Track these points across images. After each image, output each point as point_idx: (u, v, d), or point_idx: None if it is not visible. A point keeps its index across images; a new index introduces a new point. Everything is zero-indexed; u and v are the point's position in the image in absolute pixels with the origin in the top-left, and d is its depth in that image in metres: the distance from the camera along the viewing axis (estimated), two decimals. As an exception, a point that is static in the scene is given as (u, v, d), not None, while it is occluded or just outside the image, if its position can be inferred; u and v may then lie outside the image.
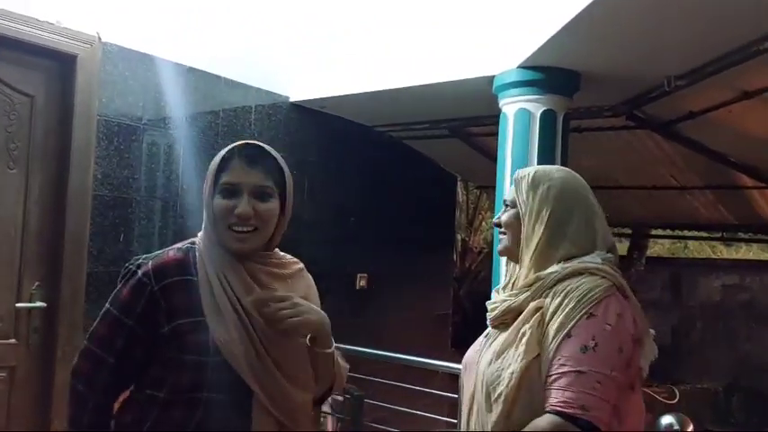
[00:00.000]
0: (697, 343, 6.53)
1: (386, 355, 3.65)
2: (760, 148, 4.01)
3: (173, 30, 3.06)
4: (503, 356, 1.29)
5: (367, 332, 4.21)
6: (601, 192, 1.45)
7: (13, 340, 2.44)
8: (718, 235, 6.65)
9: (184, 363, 1.30)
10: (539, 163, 2.86)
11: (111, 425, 1.38)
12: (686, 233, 6.88)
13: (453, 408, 3.35)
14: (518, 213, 1.40)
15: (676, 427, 1.81)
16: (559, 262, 1.34)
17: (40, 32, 2.50)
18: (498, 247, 1.49)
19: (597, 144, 4.04)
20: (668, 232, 6.87)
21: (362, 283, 4.29)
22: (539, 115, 2.92)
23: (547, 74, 2.88)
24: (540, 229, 1.36)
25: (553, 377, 1.22)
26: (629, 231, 6.77)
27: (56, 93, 2.61)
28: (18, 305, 2.45)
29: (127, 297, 1.35)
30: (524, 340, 1.26)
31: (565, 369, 1.21)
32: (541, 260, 1.35)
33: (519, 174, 1.44)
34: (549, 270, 1.33)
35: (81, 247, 2.59)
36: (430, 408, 3.66)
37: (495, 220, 1.49)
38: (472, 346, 1.51)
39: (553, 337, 1.24)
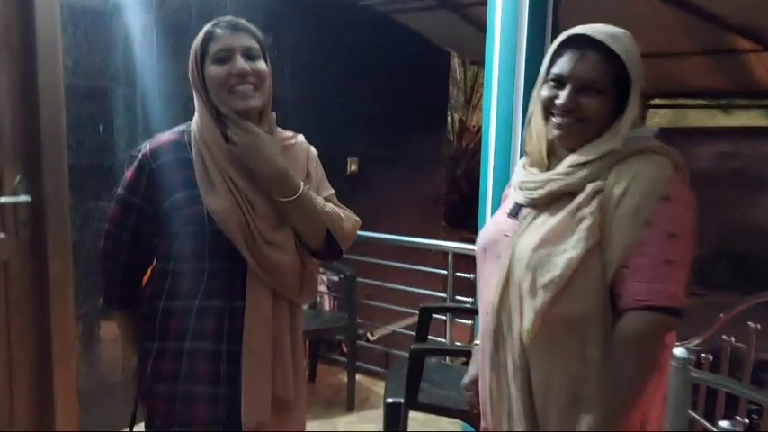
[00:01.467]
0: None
1: (378, 237, 3.70)
2: (758, 9, 3.85)
3: None
4: (554, 240, 1.18)
5: (359, 215, 4.24)
6: None
7: (2, 235, 2.45)
8: (716, 103, 6.55)
9: (184, 234, 1.44)
10: (530, 33, 2.72)
11: (138, 297, 1.56)
12: (684, 101, 6.78)
13: (445, 283, 3.45)
14: (609, 101, 1.21)
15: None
16: None
17: None
18: (559, 133, 1.24)
19: (591, 8, 3.85)
20: (667, 101, 6.76)
21: (353, 167, 4.27)
22: (528, -21, 2.75)
23: (535, -69, 2.68)
24: (633, 112, 1.20)
25: (634, 268, 1.13)
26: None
27: (12, -23, 2.45)
28: (2, 199, 2.44)
29: (131, 178, 1.50)
30: (584, 225, 1.15)
31: (651, 259, 1.12)
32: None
33: (618, 47, 1.19)
34: (607, 148, 1.19)
35: (59, 140, 2.52)
36: (422, 285, 3.77)
37: (565, 104, 1.21)
38: (492, 225, 1.39)
39: (628, 224, 1.14)
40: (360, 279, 3.40)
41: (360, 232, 3.68)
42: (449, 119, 6.96)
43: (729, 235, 6.42)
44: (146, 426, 1.56)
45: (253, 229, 1.42)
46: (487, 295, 1.31)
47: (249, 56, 1.45)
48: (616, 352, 1.14)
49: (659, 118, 8.42)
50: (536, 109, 1.30)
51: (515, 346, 1.22)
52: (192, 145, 1.47)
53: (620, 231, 1.14)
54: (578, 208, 1.18)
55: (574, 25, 1.27)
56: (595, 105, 1.20)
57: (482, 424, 1.41)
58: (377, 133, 4.50)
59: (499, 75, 2.89)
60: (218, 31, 1.46)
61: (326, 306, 3.76)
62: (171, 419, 1.48)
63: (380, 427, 2.35)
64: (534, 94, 1.30)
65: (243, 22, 1.50)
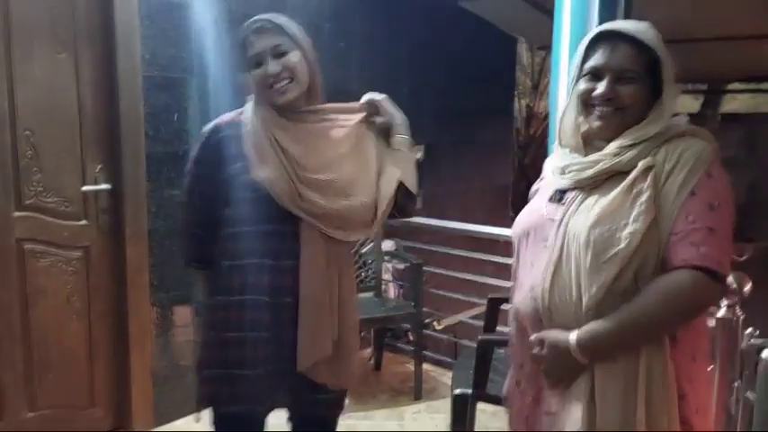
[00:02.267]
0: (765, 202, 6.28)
1: (444, 225, 3.68)
2: None
3: None
4: (612, 217, 1.24)
5: (426, 204, 4.23)
6: (672, 46, 1.31)
7: (84, 222, 2.56)
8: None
9: (240, 201, 1.62)
10: (601, 17, 2.64)
11: (212, 255, 1.70)
12: (764, 86, 6.43)
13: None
14: (644, 87, 1.29)
15: (734, 286, 1.77)
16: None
17: None
18: (599, 124, 1.32)
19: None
20: (746, 86, 6.44)
21: (419, 155, 4.25)
22: (600, -38, 2.66)
23: None
24: (672, 97, 1.29)
25: (681, 234, 1.21)
26: (704, 88, 6.38)
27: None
28: (84, 188, 2.54)
29: (196, 153, 1.73)
30: (643, 199, 1.22)
31: (695, 226, 1.20)
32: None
33: (646, 38, 1.28)
34: (651, 130, 1.28)
35: (137, 128, 2.63)
36: (491, 275, 3.72)
37: (603, 93, 1.30)
38: (532, 211, 1.45)
39: (676, 195, 1.22)
40: (426, 268, 3.39)
41: (426, 220, 3.70)
42: (516, 105, 6.83)
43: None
44: (201, 373, 1.71)
45: (302, 190, 1.59)
46: (532, 278, 1.35)
47: (278, 53, 1.62)
48: (649, 291, 1.21)
49: (737, 103, 8.03)
50: (571, 103, 1.37)
51: (567, 324, 1.27)
52: (245, 122, 1.66)
53: (669, 202, 1.22)
54: (633, 184, 1.24)
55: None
56: (632, 93, 1.29)
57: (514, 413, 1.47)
58: (444, 121, 4.46)
59: (568, 60, 2.82)
60: (250, 37, 1.64)
61: (392, 294, 3.76)
62: (230, 365, 1.63)
63: (448, 417, 2.34)
64: (569, 89, 1.38)
65: (269, 20, 1.64)
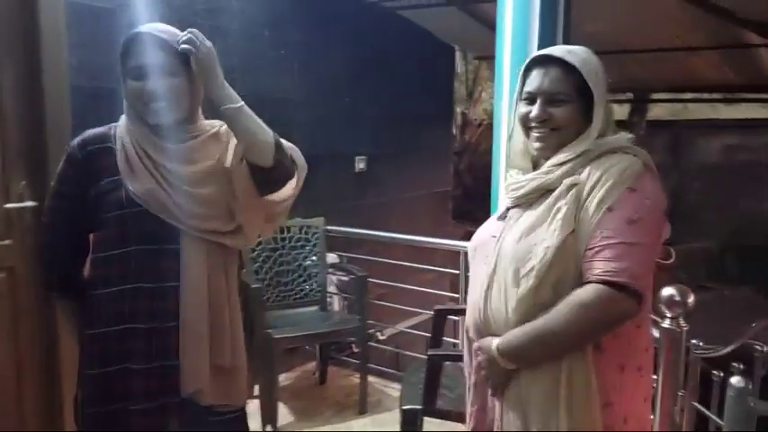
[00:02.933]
0: (695, 204, 6.57)
1: (387, 236, 3.67)
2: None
3: None
4: (534, 232, 1.29)
5: (368, 214, 4.20)
6: (605, 57, 1.38)
7: (8, 241, 2.39)
8: (720, 96, 6.49)
9: (110, 220, 1.52)
10: (541, 31, 2.69)
11: (78, 283, 1.62)
12: (687, 95, 6.73)
13: (456, 282, 3.41)
14: (577, 107, 1.34)
15: (677, 298, 1.82)
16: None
17: None
18: (538, 145, 1.37)
19: (601, 6, 3.81)
20: (670, 95, 6.71)
21: (361, 165, 4.22)
22: (539, -23, 2.71)
23: (547, -71, 2.64)
24: (600, 117, 1.33)
25: (596, 249, 1.24)
26: (630, 96, 6.62)
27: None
28: (8, 205, 2.38)
29: (61, 170, 1.62)
30: (560, 215, 1.26)
31: (610, 241, 1.23)
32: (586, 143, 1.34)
33: (575, 61, 1.32)
34: (582, 148, 1.32)
35: (64, 142, 2.43)
36: (432, 284, 3.72)
37: (537, 115, 1.35)
38: (483, 229, 1.50)
39: (594, 211, 1.25)
40: (370, 279, 3.36)
41: (370, 231, 3.68)
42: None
43: (739, 228, 6.38)
44: (85, 411, 1.60)
45: (174, 199, 1.51)
46: (475, 293, 1.41)
47: (161, 73, 1.50)
48: (562, 304, 1.24)
49: (661, 110, 8.37)
50: (516, 126, 1.43)
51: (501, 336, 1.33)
52: (117, 136, 1.57)
53: (587, 219, 1.25)
54: (555, 201, 1.29)
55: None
56: (563, 113, 1.34)
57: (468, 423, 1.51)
58: (384, 130, 4.45)
59: (510, 70, 2.86)
60: (134, 46, 1.51)
61: (336, 307, 3.71)
62: (109, 398, 1.55)
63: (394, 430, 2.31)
64: (513, 113, 1.44)
65: (160, 33, 1.52)
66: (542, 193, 1.34)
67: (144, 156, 1.54)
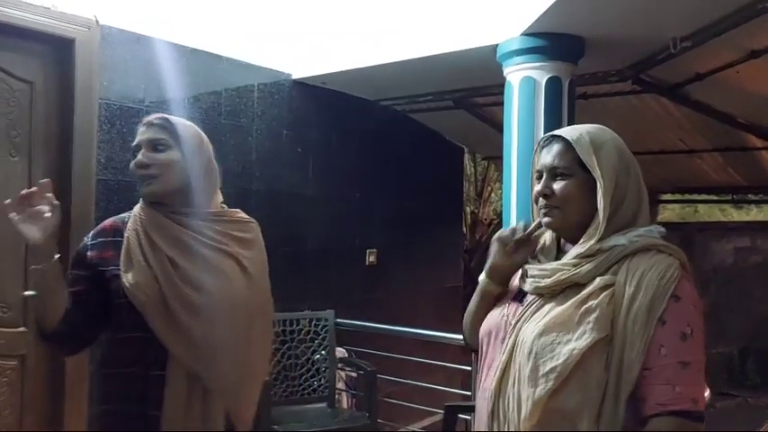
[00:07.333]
0: (711, 307, 6.49)
1: (398, 330, 3.65)
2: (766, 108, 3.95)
3: (171, 11, 3.02)
4: (558, 329, 1.19)
5: (378, 308, 4.21)
6: None
7: (22, 329, 2.44)
8: (728, 198, 6.56)
9: (115, 306, 1.54)
10: (546, 128, 2.83)
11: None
12: (696, 197, 6.81)
13: (467, 380, 3.36)
14: (577, 182, 1.28)
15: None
16: (617, 231, 1.25)
17: (35, 17, 2.47)
18: (546, 220, 1.32)
19: (604, 110, 3.98)
20: (677, 197, 6.80)
21: (372, 258, 4.28)
22: (544, 83, 2.87)
23: (550, 40, 2.82)
24: (609, 196, 1.25)
25: (655, 370, 1.15)
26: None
27: (55, 78, 2.58)
28: (26, 293, 2.44)
29: (76, 257, 1.64)
30: (593, 317, 1.17)
31: (669, 361, 1.15)
32: (609, 229, 1.25)
33: (571, 136, 1.30)
34: (613, 242, 1.24)
35: (86, 231, 2.56)
36: (444, 380, 3.67)
37: (539, 191, 1.31)
38: (496, 310, 1.41)
39: (645, 323, 1.16)
40: (380, 375, 3.32)
41: (379, 325, 3.67)
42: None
43: (756, 333, 6.28)
44: None
45: (166, 302, 1.49)
46: (489, 380, 1.31)
47: (155, 147, 1.56)
48: None
49: (669, 213, 8.47)
50: (534, 205, 1.39)
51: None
52: (128, 226, 1.58)
53: (633, 329, 1.16)
54: (586, 299, 1.20)
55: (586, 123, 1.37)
56: (564, 188, 1.29)
57: None
58: (395, 226, 4.54)
59: (517, 171, 2.98)
60: (139, 128, 1.61)
61: (345, 404, 3.65)
62: None
63: None
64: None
65: (161, 117, 1.60)
66: (568, 285, 1.25)
67: (145, 238, 1.55)
